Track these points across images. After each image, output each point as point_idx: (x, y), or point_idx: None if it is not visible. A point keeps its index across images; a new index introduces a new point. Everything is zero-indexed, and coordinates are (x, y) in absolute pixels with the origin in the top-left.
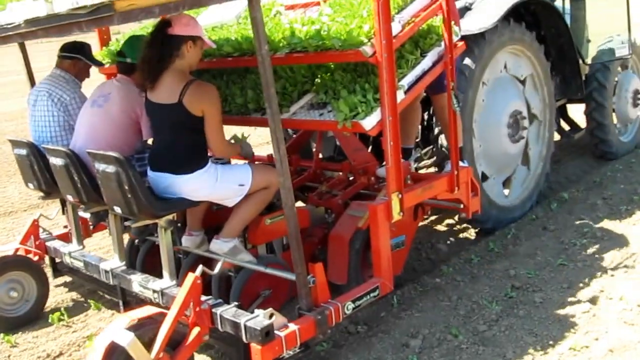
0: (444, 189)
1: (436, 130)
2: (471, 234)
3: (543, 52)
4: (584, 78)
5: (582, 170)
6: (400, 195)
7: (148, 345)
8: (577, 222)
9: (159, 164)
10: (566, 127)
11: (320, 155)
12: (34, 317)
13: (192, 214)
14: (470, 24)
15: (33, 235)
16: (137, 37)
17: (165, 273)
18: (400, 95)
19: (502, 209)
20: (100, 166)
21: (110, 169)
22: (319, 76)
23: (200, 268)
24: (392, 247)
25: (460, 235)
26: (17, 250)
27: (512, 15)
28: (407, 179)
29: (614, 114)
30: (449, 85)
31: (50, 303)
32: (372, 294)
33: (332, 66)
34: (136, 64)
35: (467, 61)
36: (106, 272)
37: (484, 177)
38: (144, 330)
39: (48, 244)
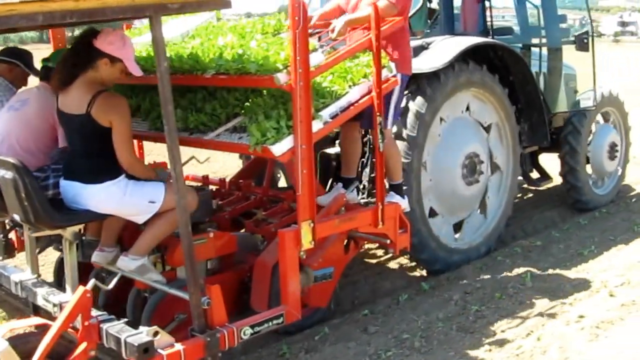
0: (367, 222)
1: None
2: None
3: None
4: (555, 125)
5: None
6: (312, 224)
7: (27, 356)
8: (408, 324)
9: (70, 173)
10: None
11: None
12: None
13: (107, 229)
14: (423, 64)
15: None
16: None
17: (68, 287)
18: (317, 125)
19: (452, 251)
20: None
21: (9, 175)
22: (250, 100)
23: (92, 281)
24: (317, 278)
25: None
26: None
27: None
28: (342, 210)
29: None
30: (375, 120)
31: None
32: (275, 321)
33: (264, 91)
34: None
35: (419, 100)
36: (16, 283)
37: (433, 214)
38: (24, 341)
39: None
